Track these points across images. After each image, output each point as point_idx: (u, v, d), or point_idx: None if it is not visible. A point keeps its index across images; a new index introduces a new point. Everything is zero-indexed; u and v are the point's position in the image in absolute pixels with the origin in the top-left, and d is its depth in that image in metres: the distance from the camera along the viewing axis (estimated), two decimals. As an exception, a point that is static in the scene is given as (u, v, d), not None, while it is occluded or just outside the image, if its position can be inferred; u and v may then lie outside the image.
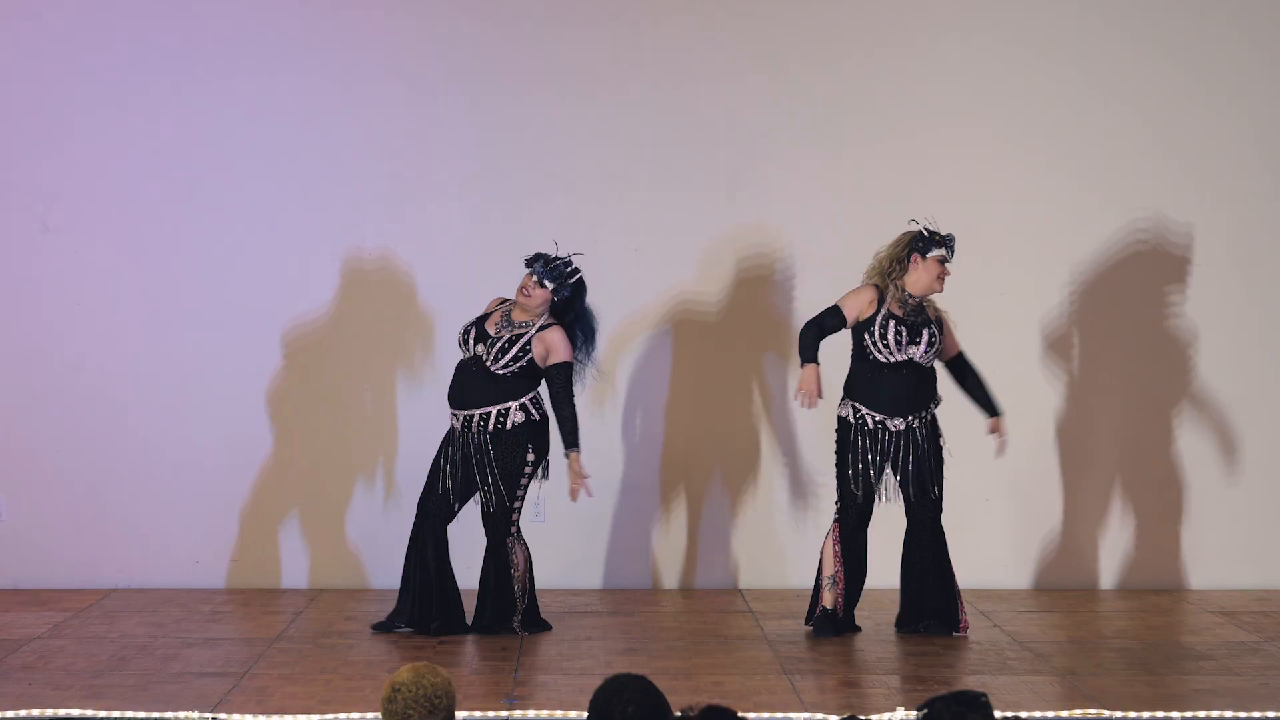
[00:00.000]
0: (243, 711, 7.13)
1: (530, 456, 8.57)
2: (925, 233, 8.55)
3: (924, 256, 8.52)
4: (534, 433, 8.59)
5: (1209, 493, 10.01)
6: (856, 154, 9.93)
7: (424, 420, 9.53)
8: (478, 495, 8.62)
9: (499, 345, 8.55)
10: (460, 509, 8.70)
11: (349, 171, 9.83)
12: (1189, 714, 7.16)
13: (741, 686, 7.63)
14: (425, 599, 8.66)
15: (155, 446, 9.84)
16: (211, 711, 7.11)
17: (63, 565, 9.81)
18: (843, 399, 8.65)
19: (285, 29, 9.84)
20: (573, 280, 8.63)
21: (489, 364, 8.53)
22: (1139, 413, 10.01)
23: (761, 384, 9.97)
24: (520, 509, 8.65)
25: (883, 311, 8.55)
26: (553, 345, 8.55)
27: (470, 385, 8.59)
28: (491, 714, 7.08)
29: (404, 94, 9.84)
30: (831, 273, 9.91)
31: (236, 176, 9.82)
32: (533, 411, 8.59)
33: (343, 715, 7.06)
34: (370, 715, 6.98)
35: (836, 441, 8.64)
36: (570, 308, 8.65)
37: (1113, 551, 9.97)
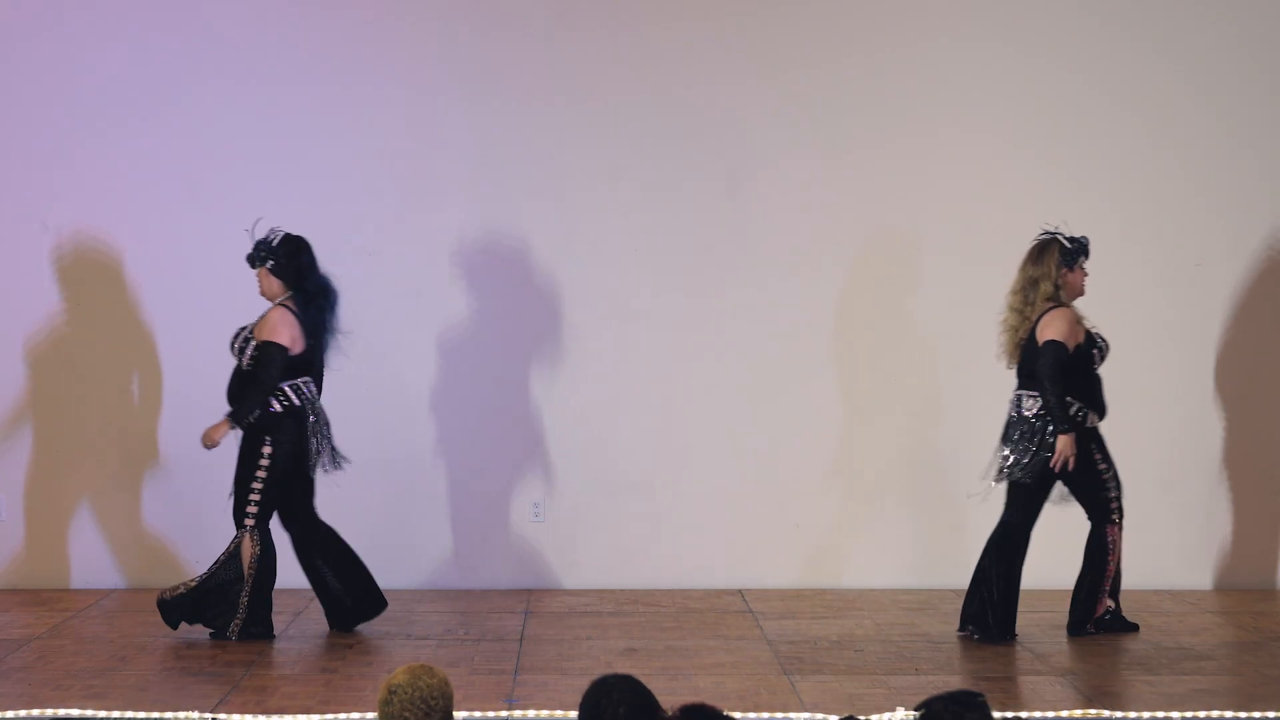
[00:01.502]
0: (243, 711, 7.14)
1: (266, 449, 8.46)
2: (1067, 243, 8.54)
3: (1072, 268, 8.54)
4: (270, 423, 8.46)
5: (1209, 492, 10.01)
6: (857, 155, 9.92)
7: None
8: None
9: (233, 341, 8.60)
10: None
11: (349, 173, 9.82)
12: (1189, 714, 7.16)
13: (741, 686, 7.63)
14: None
15: (155, 446, 9.83)
16: (211, 711, 7.12)
17: (63, 565, 9.81)
18: (1076, 409, 8.51)
19: (286, 33, 9.83)
20: (276, 244, 8.55)
21: (240, 362, 8.55)
22: (1135, 411, 9.99)
23: (761, 383, 9.95)
24: (258, 502, 8.50)
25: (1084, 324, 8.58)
26: (263, 324, 8.50)
27: (232, 384, 8.60)
28: (491, 714, 7.09)
29: (404, 96, 9.83)
30: (831, 272, 9.92)
31: (237, 178, 9.82)
32: (272, 403, 8.48)
33: (342, 715, 7.06)
34: (370, 716, 6.98)
35: (1096, 449, 8.59)
36: (297, 272, 8.54)
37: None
